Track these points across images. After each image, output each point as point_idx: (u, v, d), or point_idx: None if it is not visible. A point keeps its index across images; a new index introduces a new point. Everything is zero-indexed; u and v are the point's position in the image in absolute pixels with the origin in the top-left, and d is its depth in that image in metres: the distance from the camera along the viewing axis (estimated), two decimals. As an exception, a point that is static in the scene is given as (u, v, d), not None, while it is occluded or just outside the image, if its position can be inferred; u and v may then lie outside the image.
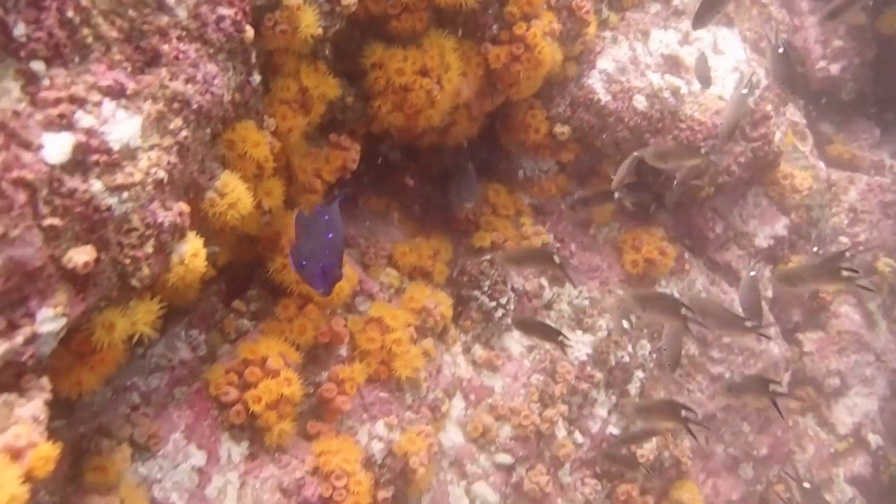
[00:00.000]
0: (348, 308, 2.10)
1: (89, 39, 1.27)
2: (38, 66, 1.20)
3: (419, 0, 2.03)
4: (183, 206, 1.39)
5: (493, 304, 2.46)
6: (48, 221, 1.17)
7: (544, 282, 2.60)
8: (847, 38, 3.85)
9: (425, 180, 2.62)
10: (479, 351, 2.45)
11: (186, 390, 1.73)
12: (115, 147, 1.27)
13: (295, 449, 1.79)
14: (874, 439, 3.39)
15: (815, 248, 3.19)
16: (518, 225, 2.63)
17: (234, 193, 1.56)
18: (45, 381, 1.18)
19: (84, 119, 1.23)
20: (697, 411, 2.76)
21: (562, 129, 2.54)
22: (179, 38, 1.41)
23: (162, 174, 1.34)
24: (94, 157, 1.24)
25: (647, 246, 2.73)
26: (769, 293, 3.08)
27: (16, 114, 1.16)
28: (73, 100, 1.23)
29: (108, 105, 1.27)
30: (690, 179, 2.38)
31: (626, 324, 2.57)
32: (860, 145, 3.93)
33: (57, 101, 1.21)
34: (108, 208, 1.26)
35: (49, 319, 1.18)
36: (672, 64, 2.60)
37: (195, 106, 1.42)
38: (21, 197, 1.13)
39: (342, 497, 1.74)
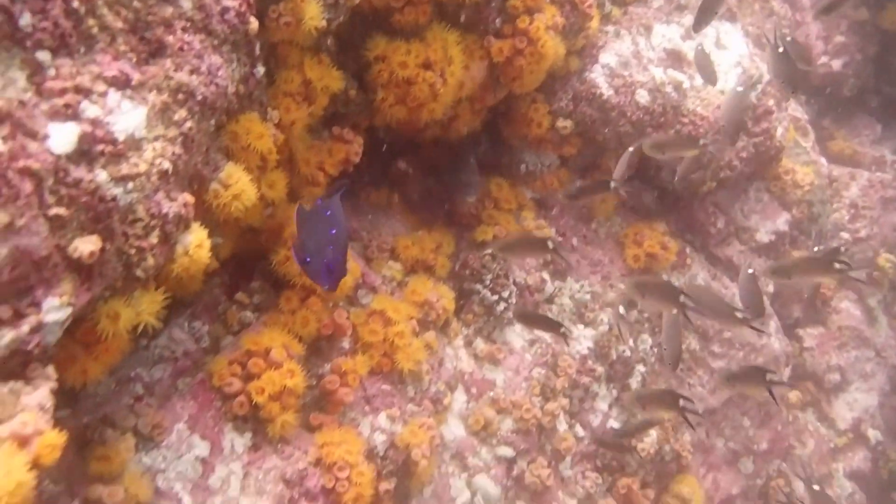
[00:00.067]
0: (351, 301, 2.11)
1: (94, 30, 1.27)
2: (43, 56, 1.20)
3: (422, -7, 2.04)
4: (188, 197, 1.40)
5: (495, 297, 2.47)
6: (54, 211, 1.18)
7: (546, 276, 2.61)
8: (849, 34, 3.86)
9: (428, 174, 2.62)
10: (480, 344, 2.46)
11: (190, 381, 1.74)
12: (121, 137, 1.27)
13: (298, 440, 1.79)
14: (874, 434, 3.40)
15: (815, 248, 3.19)
16: (520, 219, 2.63)
17: (238, 185, 1.56)
18: (50, 369, 1.19)
19: (89, 109, 1.24)
20: (699, 406, 2.77)
21: (564, 124, 2.54)
22: (184, 30, 1.41)
23: (167, 165, 1.34)
24: (100, 148, 1.24)
25: (648, 240, 2.73)
26: (770, 288, 3.09)
27: (22, 103, 1.16)
28: (78, 90, 1.23)
29: (114, 95, 1.28)
30: (691, 173, 2.38)
31: (622, 309, 2.57)
32: (861, 141, 3.94)
33: (63, 91, 1.21)
34: (114, 198, 1.26)
35: (55, 309, 1.18)
36: (675, 58, 2.60)
37: (199, 97, 1.42)
38: (27, 186, 1.13)
39: (344, 488, 1.75)
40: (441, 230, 2.53)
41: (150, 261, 1.34)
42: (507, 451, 2.35)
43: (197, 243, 1.41)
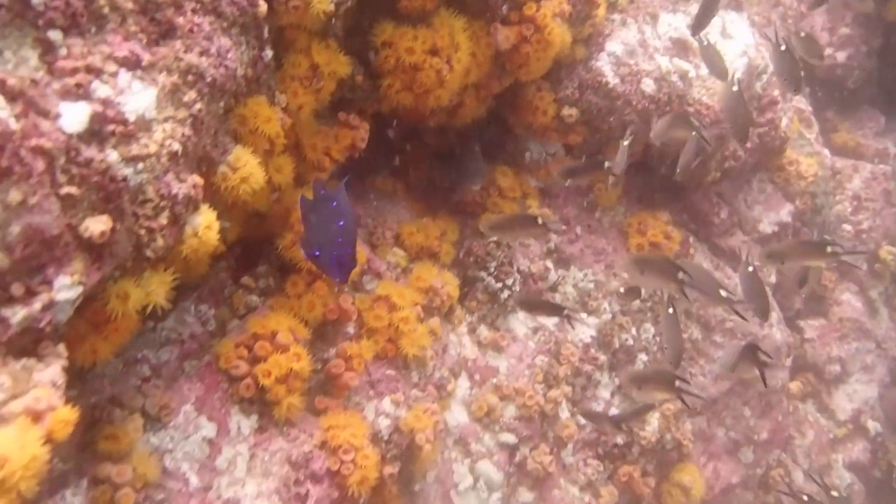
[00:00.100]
0: (356, 286, 2.12)
1: (105, 10, 1.27)
2: (55, 35, 1.21)
3: (430, -21, 2.03)
4: (197, 179, 1.40)
5: (499, 285, 2.48)
6: (65, 190, 1.18)
7: (550, 264, 2.61)
8: (854, 26, 3.85)
9: (433, 161, 2.62)
10: (484, 332, 2.47)
11: (196, 364, 1.75)
12: (131, 118, 1.27)
13: (303, 423, 1.80)
14: (873, 426, 3.42)
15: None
16: (524, 207, 2.64)
17: (246, 168, 1.56)
18: (61, 348, 1.19)
19: (100, 89, 1.24)
20: (703, 398, 2.79)
21: (569, 112, 2.54)
22: (194, 11, 1.41)
23: (176, 146, 1.35)
24: (111, 128, 1.25)
25: (652, 230, 2.74)
26: (772, 279, 3.10)
27: (34, 82, 1.16)
28: (89, 70, 1.23)
29: (124, 76, 1.28)
30: (692, 164, 2.38)
31: (622, 289, 2.59)
32: (865, 133, 3.94)
33: (74, 71, 1.22)
34: (124, 179, 1.27)
35: (66, 287, 1.19)
36: (681, 47, 2.59)
37: (209, 79, 1.43)
38: (39, 165, 1.14)
39: (350, 471, 1.76)
40: (446, 218, 2.54)
41: (160, 241, 1.35)
42: (509, 438, 2.36)
43: (206, 225, 1.42)
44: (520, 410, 2.38)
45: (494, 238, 2.49)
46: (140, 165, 1.28)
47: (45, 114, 1.16)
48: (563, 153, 2.72)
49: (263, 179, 1.61)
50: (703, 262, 2.88)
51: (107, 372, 1.61)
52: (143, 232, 1.33)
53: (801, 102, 3.33)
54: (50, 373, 1.10)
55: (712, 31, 2.68)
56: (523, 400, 2.38)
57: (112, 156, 1.25)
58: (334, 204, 1.64)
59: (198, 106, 1.40)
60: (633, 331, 2.64)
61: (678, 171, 2.35)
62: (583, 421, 2.53)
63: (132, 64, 1.29)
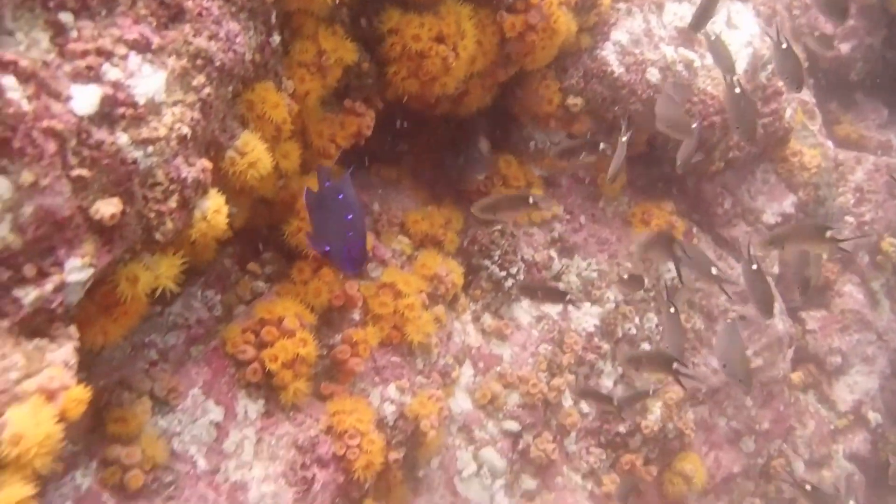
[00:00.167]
0: (361, 273, 2.12)
1: (116, -8, 1.27)
2: (66, 17, 1.21)
3: (436, -34, 2.03)
4: (206, 163, 1.41)
5: (503, 273, 2.49)
6: (76, 172, 1.19)
7: (553, 253, 2.62)
8: (858, 18, 3.84)
9: (437, 150, 2.62)
10: (488, 320, 2.48)
11: (203, 348, 1.76)
12: (141, 101, 1.28)
13: (309, 408, 1.81)
14: (874, 417, 3.43)
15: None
16: (528, 196, 2.64)
17: (254, 153, 1.57)
18: (73, 329, 1.20)
19: (111, 72, 1.25)
20: (702, 386, 2.80)
21: (574, 101, 2.54)
22: (203, -5, 1.41)
23: (186, 130, 1.35)
24: (121, 110, 1.25)
25: (656, 220, 2.75)
26: (775, 269, 3.11)
27: (45, 64, 1.17)
28: (100, 52, 1.24)
29: (134, 59, 1.28)
30: (691, 158, 2.38)
31: (625, 275, 2.59)
32: (868, 125, 3.94)
33: (84, 53, 1.22)
34: (134, 161, 1.27)
35: (77, 269, 1.19)
36: (686, 37, 2.59)
37: (218, 63, 1.43)
38: (51, 146, 1.14)
39: (355, 455, 1.78)
40: (450, 206, 2.54)
41: (169, 225, 1.35)
42: (513, 425, 2.37)
43: (215, 209, 1.42)
44: (523, 398, 2.39)
45: (487, 218, 2.48)
46: (150, 149, 1.29)
47: (56, 96, 1.16)
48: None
49: (271, 164, 1.62)
50: (706, 252, 2.89)
51: (115, 356, 1.62)
52: (152, 215, 1.33)
53: (804, 94, 3.33)
54: (62, 353, 1.11)
55: (718, 21, 2.68)
56: (527, 388, 2.39)
57: (122, 139, 1.25)
58: (341, 196, 1.62)
59: (207, 90, 1.41)
60: (637, 320, 2.65)
61: (678, 165, 2.35)
62: (586, 409, 2.54)
63: (142, 47, 1.29)
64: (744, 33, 2.71)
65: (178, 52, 1.35)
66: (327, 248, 1.56)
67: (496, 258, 2.48)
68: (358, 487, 1.83)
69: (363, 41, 2.06)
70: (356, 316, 2.02)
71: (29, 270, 1.13)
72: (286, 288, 1.91)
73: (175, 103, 1.34)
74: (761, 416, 3.01)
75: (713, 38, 2.41)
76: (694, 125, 2.24)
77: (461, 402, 2.32)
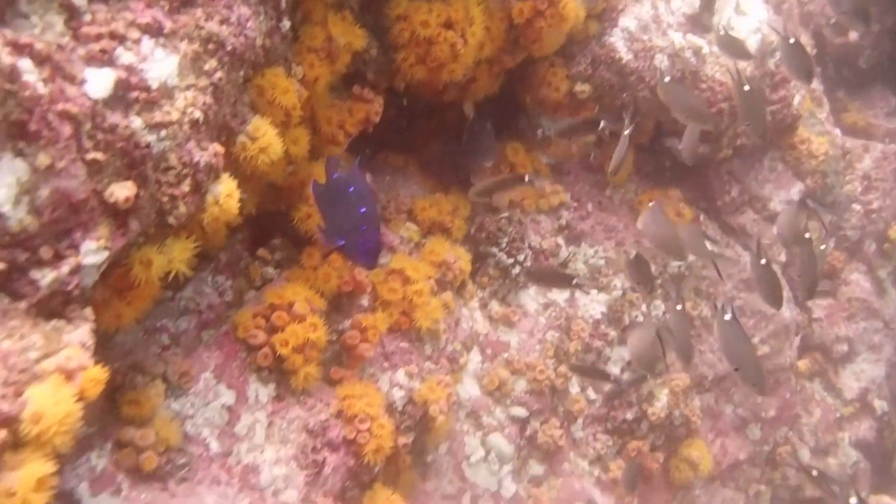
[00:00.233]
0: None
1: (128, -24, 1.28)
2: (80, 0, 1.21)
3: (445, -48, 2.03)
4: (218, 147, 1.42)
5: (511, 260, 2.49)
6: (91, 155, 1.20)
7: (561, 240, 2.62)
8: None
9: (445, 137, 2.63)
10: (495, 307, 2.49)
11: (214, 333, 1.77)
12: (154, 85, 1.29)
13: (319, 392, 1.83)
14: (880, 405, 3.43)
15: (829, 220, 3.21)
16: (536, 184, 2.64)
17: (265, 138, 1.57)
18: (88, 311, 1.21)
19: (124, 56, 1.25)
20: (709, 372, 2.81)
21: (582, 88, 2.54)
22: (214, -20, 1.41)
23: (198, 114, 1.36)
24: (134, 94, 1.26)
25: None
26: (782, 257, 3.11)
27: (60, 47, 1.17)
28: (113, 36, 1.24)
29: (147, 43, 1.29)
30: (697, 147, 2.37)
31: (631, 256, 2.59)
32: (876, 113, 3.92)
33: (98, 37, 1.23)
34: (148, 145, 1.28)
35: (92, 252, 1.20)
36: (694, 23, 2.59)
37: (229, 48, 1.43)
38: (66, 129, 1.15)
39: (366, 439, 1.79)
40: (458, 193, 2.54)
41: (182, 209, 1.36)
42: (520, 412, 2.38)
43: (227, 193, 1.43)
44: (531, 385, 2.40)
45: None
46: (163, 132, 1.30)
47: (71, 79, 1.17)
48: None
49: (282, 150, 1.62)
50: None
51: (128, 340, 1.64)
52: (165, 199, 1.34)
53: (812, 81, 3.32)
54: (79, 334, 1.13)
55: (727, 8, 2.67)
56: (534, 374, 2.40)
57: (136, 122, 1.26)
58: (352, 189, 1.59)
59: (218, 74, 1.41)
60: (643, 307, 2.66)
61: (684, 156, 2.34)
62: (593, 396, 2.55)
63: (154, 31, 1.30)
64: (752, 20, 2.70)
65: (190, 37, 1.36)
66: (341, 243, 1.54)
67: (503, 245, 2.49)
68: (368, 471, 1.84)
69: (372, 27, 2.06)
70: (365, 302, 2.03)
71: (45, 253, 1.14)
72: (296, 273, 1.92)
73: (187, 87, 1.35)
74: (767, 403, 3.02)
75: (723, 32, 2.40)
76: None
77: (469, 388, 2.33)
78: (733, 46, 2.40)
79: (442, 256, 2.25)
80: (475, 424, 2.32)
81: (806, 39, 2.97)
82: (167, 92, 1.31)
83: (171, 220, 1.36)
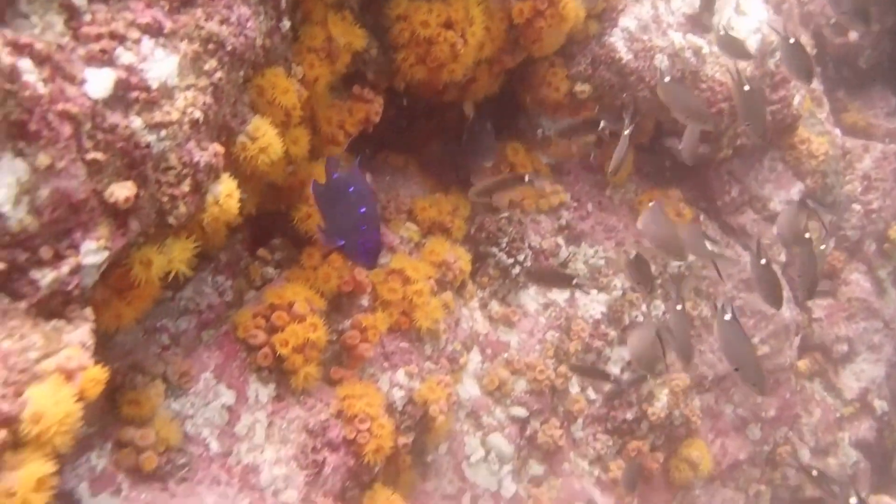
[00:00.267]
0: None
1: (128, -24, 1.28)
2: (79, 0, 1.21)
3: (445, -48, 2.03)
4: (218, 147, 1.42)
5: (511, 261, 2.49)
6: (91, 155, 1.20)
7: (561, 240, 2.63)
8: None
9: (444, 137, 2.63)
10: (495, 307, 2.49)
11: (214, 333, 1.77)
12: (154, 85, 1.29)
13: (319, 392, 1.83)
14: (880, 405, 3.44)
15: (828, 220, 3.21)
16: (536, 184, 2.64)
17: (265, 138, 1.57)
18: (88, 311, 1.21)
19: (124, 56, 1.25)
20: (709, 372, 2.81)
21: (582, 88, 2.54)
22: (214, -20, 1.41)
23: (198, 114, 1.36)
24: (134, 94, 1.26)
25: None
26: (782, 257, 3.11)
27: (60, 47, 1.17)
28: (113, 36, 1.24)
29: (147, 43, 1.29)
30: (697, 147, 2.36)
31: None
32: (876, 113, 3.92)
33: (98, 37, 1.23)
34: (148, 145, 1.28)
35: (92, 252, 1.20)
36: (694, 23, 2.59)
37: (229, 48, 1.43)
38: (66, 129, 1.15)
39: (366, 440, 1.79)
40: (457, 193, 2.54)
41: (182, 209, 1.36)
42: (520, 412, 2.38)
43: (227, 193, 1.43)
44: (531, 385, 2.41)
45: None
46: (163, 132, 1.30)
47: (71, 79, 1.17)
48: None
49: (282, 150, 1.62)
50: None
51: (127, 340, 1.64)
52: (165, 199, 1.34)
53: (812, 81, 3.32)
54: (79, 334, 1.13)
55: (727, 8, 2.67)
56: (534, 374, 2.40)
57: (136, 122, 1.26)
58: (352, 189, 1.58)
59: (218, 74, 1.41)
60: (643, 307, 2.66)
61: (684, 156, 2.33)
62: (593, 396, 2.55)
63: (154, 31, 1.30)
64: (752, 20, 2.70)
65: (189, 37, 1.36)
66: (341, 243, 1.53)
67: (503, 245, 2.49)
68: (368, 471, 1.84)
69: (372, 27, 2.06)
70: (365, 302, 2.03)
71: (45, 253, 1.14)
72: (296, 273, 1.92)
73: (187, 87, 1.35)
74: (767, 403, 3.02)
75: (722, 33, 2.40)
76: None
77: (469, 388, 2.33)
78: (733, 46, 2.40)
79: (442, 256, 2.25)
80: (475, 424, 2.32)
81: (806, 39, 2.97)
82: (167, 92, 1.31)
83: (171, 220, 1.36)
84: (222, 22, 1.42)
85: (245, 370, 1.73)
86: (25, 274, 1.12)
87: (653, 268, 2.71)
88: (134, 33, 1.27)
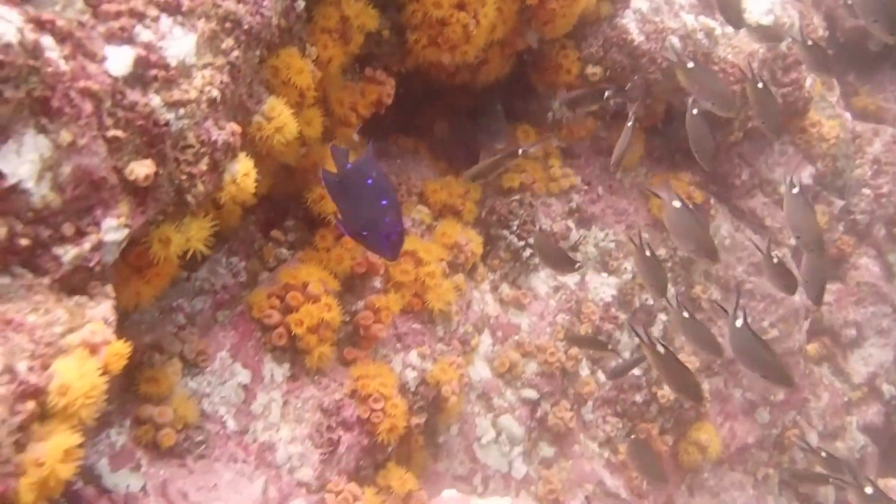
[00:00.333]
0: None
1: (146, -46, 1.28)
2: (99, -22, 1.21)
3: (458, -68, 2.02)
4: (235, 126, 1.42)
5: (522, 243, 2.50)
6: (112, 133, 1.20)
7: (571, 223, 2.63)
8: (878, -12, 3.79)
9: (455, 120, 2.63)
10: (506, 290, 2.50)
11: (229, 314, 1.78)
12: (172, 63, 1.29)
13: (333, 372, 1.84)
14: (888, 389, 3.44)
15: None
16: (546, 167, 2.65)
17: (280, 118, 1.58)
18: (109, 288, 1.22)
19: (143, 34, 1.26)
20: (719, 358, 2.81)
21: (594, 70, 2.53)
22: (231, -42, 1.41)
23: (215, 93, 1.36)
24: (153, 72, 1.26)
25: (674, 190, 2.74)
26: (791, 241, 3.10)
27: (81, 24, 1.18)
28: (132, 14, 1.24)
29: (166, 21, 1.29)
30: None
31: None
32: (886, 97, 3.91)
33: (118, 14, 1.23)
34: (166, 123, 1.28)
35: (113, 229, 1.21)
36: (706, 5, 2.57)
37: (246, 26, 1.43)
38: (87, 107, 1.15)
39: (380, 419, 1.80)
40: (469, 176, 2.54)
41: (200, 187, 1.37)
42: (531, 394, 2.39)
43: (244, 172, 1.43)
44: (541, 367, 2.41)
45: (517, 197, 2.50)
46: (181, 111, 1.30)
47: (91, 56, 1.18)
48: (585, 113, 2.70)
49: (296, 130, 1.63)
50: (723, 224, 2.89)
51: (144, 319, 1.65)
52: (184, 177, 1.35)
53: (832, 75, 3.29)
54: (102, 310, 1.14)
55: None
56: (545, 357, 2.41)
57: (155, 100, 1.26)
58: (370, 181, 1.51)
59: (235, 53, 1.41)
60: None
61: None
62: (602, 378, 2.56)
63: (172, 9, 1.30)
64: (765, 1, 2.68)
65: (207, 15, 1.36)
66: (364, 233, 1.47)
67: (514, 228, 2.49)
68: (382, 450, 1.86)
69: (384, 8, 2.06)
70: (378, 283, 2.04)
71: (68, 229, 1.15)
72: (309, 255, 1.93)
73: (205, 66, 1.35)
74: (776, 387, 3.02)
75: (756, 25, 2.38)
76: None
77: (480, 371, 2.35)
78: (768, 33, 2.39)
79: (453, 239, 2.26)
80: (486, 406, 2.34)
81: (818, 21, 2.95)
82: (185, 70, 1.31)
83: (189, 198, 1.37)
84: (239, 0, 1.42)
85: (260, 350, 1.75)
86: (48, 250, 1.13)
87: (663, 251, 2.71)
88: (153, 11, 1.27)
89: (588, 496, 2.43)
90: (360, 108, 2.08)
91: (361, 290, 2.01)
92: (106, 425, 1.46)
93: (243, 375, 1.70)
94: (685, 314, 2.13)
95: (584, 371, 2.53)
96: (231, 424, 1.63)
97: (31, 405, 0.93)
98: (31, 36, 1.05)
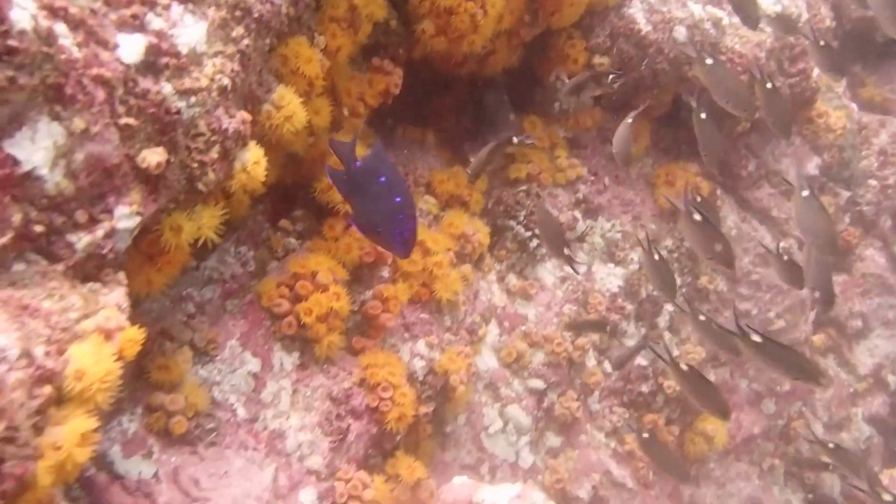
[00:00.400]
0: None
1: (157, -58, 1.28)
2: (110, -35, 1.22)
3: (465, -79, 2.01)
4: (245, 115, 1.42)
5: (528, 234, 2.50)
6: (124, 120, 1.21)
7: (578, 214, 2.63)
8: (885, -22, 3.77)
9: (462, 110, 2.62)
10: (513, 280, 2.50)
11: (238, 303, 1.79)
12: (184, 51, 1.29)
13: (342, 361, 1.85)
14: (893, 380, 3.44)
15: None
16: (553, 157, 2.65)
17: (289, 107, 1.58)
18: (121, 275, 1.23)
19: (154, 21, 1.26)
20: (737, 357, 2.81)
21: (601, 60, 2.52)
22: (240, -54, 1.41)
23: (226, 81, 1.36)
24: (165, 60, 1.27)
25: (680, 181, 2.74)
26: (797, 232, 3.10)
27: (93, 12, 1.18)
28: (144, 1, 1.25)
29: (177, 8, 1.29)
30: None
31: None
32: (892, 88, 3.89)
33: (129, 2, 1.23)
34: (178, 111, 1.29)
35: (125, 216, 1.22)
36: (714, -6, 2.57)
37: (256, 15, 1.43)
38: (100, 94, 1.16)
39: (388, 408, 1.81)
40: (475, 167, 2.54)
41: (211, 175, 1.37)
42: (537, 384, 2.40)
43: (254, 160, 1.44)
44: (548, 357, 2.42)
45: (524, 188, 2.50)
46: (192, 99, 1.30)
47: (104, 44, 1.18)
48: (592, 103, 2.70)
49: (306, 119, 1.63)
50: (730, 215, 2.89)
51: (154, 307, 1.66)
52: (195, 165, 1.35)
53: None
54: (115, 296, 1.14)
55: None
56: (552, 347, 2.42)
57: (167, 88, 1.27)
58: (383, 179, 1.47)
59: (245, 42, 1.42)
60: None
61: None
62: (609, 369, 2.57)
63: (183, -3, 1.30)
64: (773, -9, 2.68)
65: (217, 3, 1.36)
66: (378, 230, 1.45)
67: (521, 219, 2.49)
68: (390, 439, 1.87)
69: (391, -1, 2.06)
70: (385, 273, 2.04)
71: (81, 216, 1.16)
72: (318, 244, 1.94)
73: (216, 54, 1.35)
74: (782, 378, 3.03)
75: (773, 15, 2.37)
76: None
77: (487, 360, 2.35)
78: (787, 24, 2.38)
79: (461, 229, 2.26)
80: (493, 396, 2.34)
81: (826, 11, 2.94)
82: (196, 58, 1.31)
83: (200, 186, 1.37)
84: (249, -11, 1.42)
85: (269, 338, 1.75)
86: (62, 237, 1.14)
87: (669, 242, 2.72)
88: (163, -1, 1.27)
89: (595, 486, 2.44)
90: (367, 98, 2.07)
91: (370, 280, 2.02)
92: (117, 412, 1.47)
93: (253, 364, 1.70)
94: (701, 317, 2.13)
95: (591, 361, 2.53)
96: (241, 412, 1.64)
97: (48, 389, 0.94)
98: (44, 23, 1.06)
